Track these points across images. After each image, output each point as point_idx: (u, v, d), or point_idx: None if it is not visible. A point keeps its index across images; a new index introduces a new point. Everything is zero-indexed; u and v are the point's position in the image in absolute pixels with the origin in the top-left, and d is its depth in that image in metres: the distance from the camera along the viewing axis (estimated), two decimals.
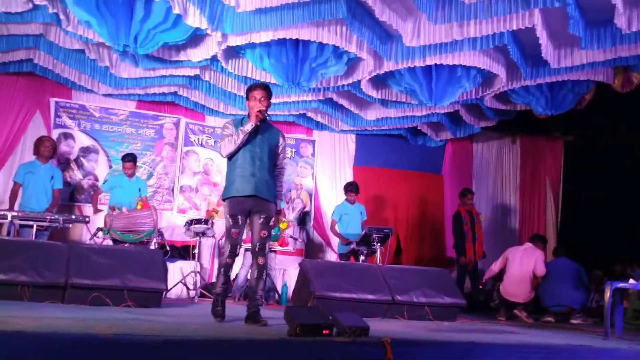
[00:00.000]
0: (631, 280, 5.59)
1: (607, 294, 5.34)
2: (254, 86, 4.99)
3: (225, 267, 4.83)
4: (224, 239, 4.96)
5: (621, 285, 5.47)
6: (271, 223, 4.90)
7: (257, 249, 4.81)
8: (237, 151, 4.82)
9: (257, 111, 4.79)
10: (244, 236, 5.31)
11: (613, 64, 7.16)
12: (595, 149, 10.14)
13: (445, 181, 11.12)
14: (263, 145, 4.87)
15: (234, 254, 4.81)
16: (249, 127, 4.77)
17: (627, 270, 9.11)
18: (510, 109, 9.00)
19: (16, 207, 7.46)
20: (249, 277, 5.08)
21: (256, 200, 4.78)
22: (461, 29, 6.36)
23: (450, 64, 7.07)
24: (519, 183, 11.25)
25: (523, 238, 10.97)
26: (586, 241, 9.41)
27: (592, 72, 7.44)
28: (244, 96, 5.09)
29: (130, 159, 8.03)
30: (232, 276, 7.46)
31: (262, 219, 4.82)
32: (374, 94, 8.29)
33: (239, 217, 4.78)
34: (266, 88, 4.94)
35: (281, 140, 5.04)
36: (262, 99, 4.86)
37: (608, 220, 9.59)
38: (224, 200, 4.93)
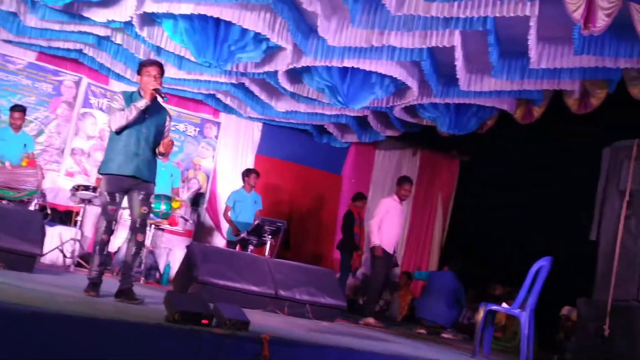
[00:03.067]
0: (504, 304, 5.85)
1: (481, 315, 5.56)
2: (149, 62, 4.97)
3: (101, 245, 4.72)
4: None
5: (494, 307, 5.71)
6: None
7: (137, 225, 4.77)
8: (126, 127, 4.69)
9: (152, 89, 4.71)
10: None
11: (518, 95, 7.50)
12: (488, 172, 10.56)
13: (344, 183, 11.24)
14: (150, 126, 4.79)
15: (110, 230, 4.75)
16: (142, 104, 4.68)
17: (498, 292, 9.45)
18: (416, 122, 9.22)
19: None
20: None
21: (136, 180, 4.73)
22: (381, 36, 6.43)
23: (367, 69, 7.14)
24: (412, 195, 11.51)
25: (408, 245, 11.30)
26: (467, 259, 9.79)
27: (497, 100, 7.74)
28: (136, 71, 4.94)
29: (20, 109, 7.61)
30: (114, 249, 7.21)
31: (142, 195, 4.77)
32: (287, 86, 8.24)
33: (117, 194, 4.72)
34: (161, 66, 4.88)
35: (167, 120, 4.98)
36: (157, 76, 4.77)
37: (490, 242, 10.02)
38: (100, 174, 4.83)
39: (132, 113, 4.63)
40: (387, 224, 7.71)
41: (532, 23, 5.59)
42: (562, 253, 6.27)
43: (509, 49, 6.61)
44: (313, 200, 10.91)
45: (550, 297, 6.17)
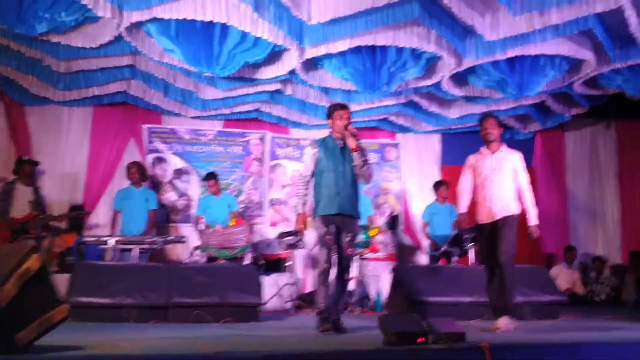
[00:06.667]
0: None
1: None
2: (339, 105, 5.20)
3: (324, 275, 4.93)
4: (317, 249, 5.10)
5: None
6: None
7: (343, 266, 5.03)
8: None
9: (344, 127, 5.00)
10: None
11: None
12: None
13: (537, 174, 10.71)
14: (345, 163, 5.04)
15: (329, 258, 4.94)
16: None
17: None
18: (602, 94, 8.62)
19: (117, 232, 7.83)
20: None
21: (342, 217, 4.98)
22: (542, 17, 6.15)
23: (533, 54, 6.86)
24: (617, 170, 10.72)
25: (624, 225, 10.47)
26: None
27: None
28: (326, 115, 5.26)
29: (210, 177, 8.30)
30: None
31: (348, 237, 5.02)
32: (455, 91, 8.16)
33: (330, 225, 4.96)
34: (348, 107, 5.19)
35: None
36: (347, 117, 5.05)
37: None
38: (313, 217, 5.13)
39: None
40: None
41: None
42: None
43: None
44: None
45: None
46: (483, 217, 5.46)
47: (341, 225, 5.00)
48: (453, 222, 8.52)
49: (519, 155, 5.56)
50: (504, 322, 5.04)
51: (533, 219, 5.46)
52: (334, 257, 5.00)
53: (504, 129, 10.08)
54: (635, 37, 6.53)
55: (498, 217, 5.35)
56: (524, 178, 5.47)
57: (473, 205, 5.62)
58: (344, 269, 5.05)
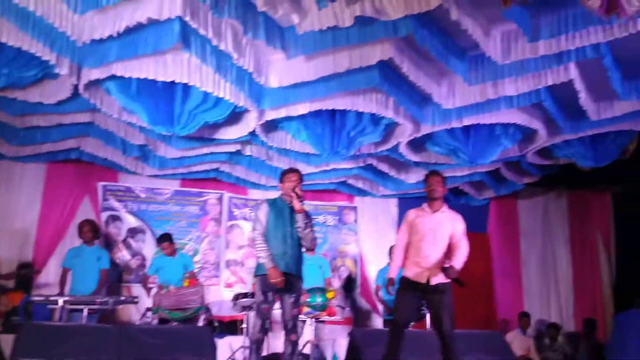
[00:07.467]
0: None
1: None
2: (289, 170, 5.47)
3: (257, 344, 5.05)
4: (253, 315, 5.28)
5: None
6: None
7: (289, 327, 5.13)
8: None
9: (291, 190, 5.22)
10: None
11: None
12: None
13: (491, 240, 10.92)
14: (293, 224, 5.22)
15: (264, 329, 5.08)
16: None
17: None
18: (553, 164, 8.88)
19: (66, 291, 7.56)
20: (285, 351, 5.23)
21: (287, 277, 5.06)
22: (496, 88, 6.38)
23: (488, 122, 7.07)
24: (568, 238, 10.95)
25: (577, 292, 10.64)
26: None
27: (634, 122, 7.32)
28: (278, 179, 5.46)
29: (164, 239, 8.03)
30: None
31: (292, 298, 5.15)
32: (413, 157, 8.30)
33: (270, 293, 5.11)
34: (300, 173, 5.39)
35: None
36: (297, 182, 5.28)
37: None
38: (255, 276, 5.26)
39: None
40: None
41: None
42: None
43: (633, 68, 6.30)
44: (465, 264, 10.63)
45: None
46: (415, 276, 5.28)
47: (285, 285, 5.06)
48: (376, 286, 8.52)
49: (460, 218, 5.44)
50: None
51: (457, 264, 5.22)
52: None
53: (460, 195, 10.38)
54: (585, 109, 6.80)
55: (434, 282, 5.22)
56: (463, 239, 5.33)
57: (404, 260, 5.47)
58: (290, 330, 5.11)
